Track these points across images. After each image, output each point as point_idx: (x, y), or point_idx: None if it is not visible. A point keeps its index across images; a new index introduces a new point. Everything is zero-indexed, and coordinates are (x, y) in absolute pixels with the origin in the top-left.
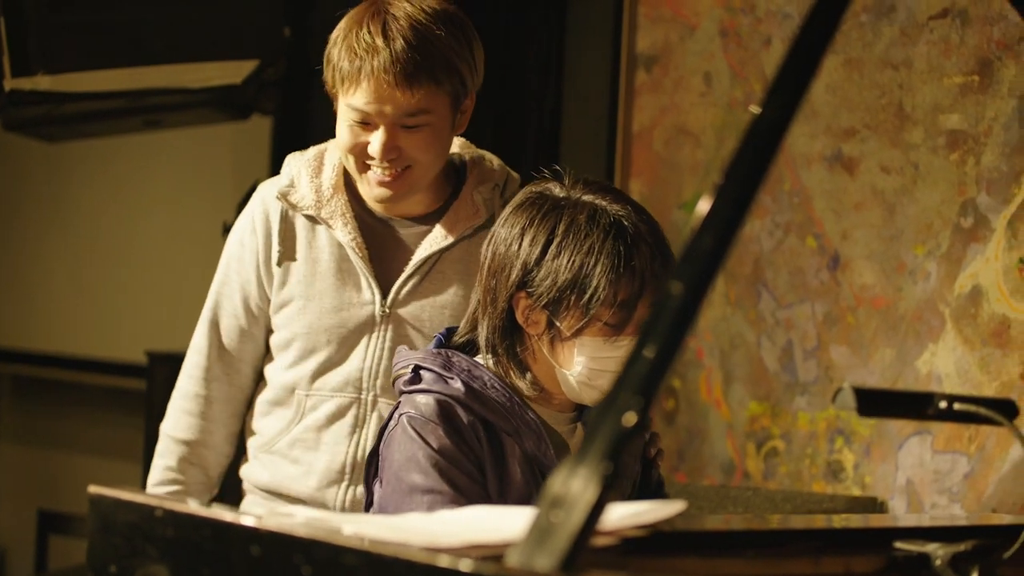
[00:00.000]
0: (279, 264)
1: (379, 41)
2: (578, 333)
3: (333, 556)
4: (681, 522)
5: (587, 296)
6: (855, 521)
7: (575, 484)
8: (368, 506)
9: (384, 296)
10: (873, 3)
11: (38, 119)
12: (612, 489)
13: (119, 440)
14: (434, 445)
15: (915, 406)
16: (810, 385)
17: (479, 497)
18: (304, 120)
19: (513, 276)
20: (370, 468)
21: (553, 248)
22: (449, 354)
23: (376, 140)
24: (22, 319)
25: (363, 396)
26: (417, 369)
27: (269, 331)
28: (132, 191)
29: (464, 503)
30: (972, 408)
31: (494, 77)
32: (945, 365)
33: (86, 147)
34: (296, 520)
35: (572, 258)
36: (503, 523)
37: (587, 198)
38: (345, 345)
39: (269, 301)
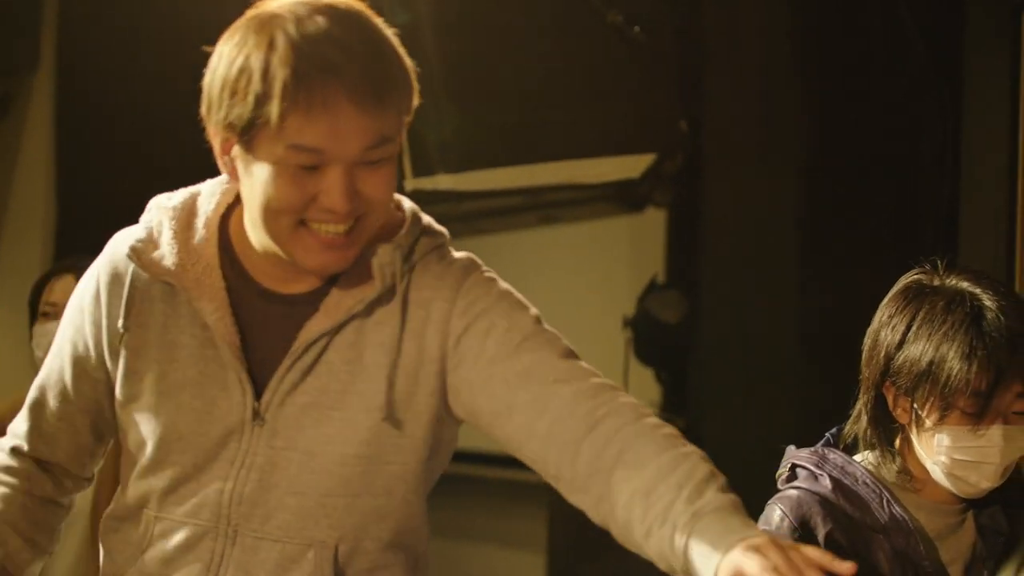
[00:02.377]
0: (125, 344)
1: (336, 52)
2: (938, 421)
3: None
4: None
5: (941, 384)
6: None
7: None
8: None
9: (258, 396)
10: None
11: (437, 218)
12: None
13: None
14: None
15: None
16: None
17: None
18: (697, 211)
19: (880, 364)
20: None
21: (911, 335)
22: (825, 451)
23: (335, 187)
24: None
25: (220, 526)
26: (794, 467)
27: (102, 427)
28: (527, 287)
29: None
30: None
31: (882, 171)
32: None
33: (481, 243)
34: None
35: (926, 345)
36: None
37: (953, 285)
38: (205, 457)
39: (112, 389)
